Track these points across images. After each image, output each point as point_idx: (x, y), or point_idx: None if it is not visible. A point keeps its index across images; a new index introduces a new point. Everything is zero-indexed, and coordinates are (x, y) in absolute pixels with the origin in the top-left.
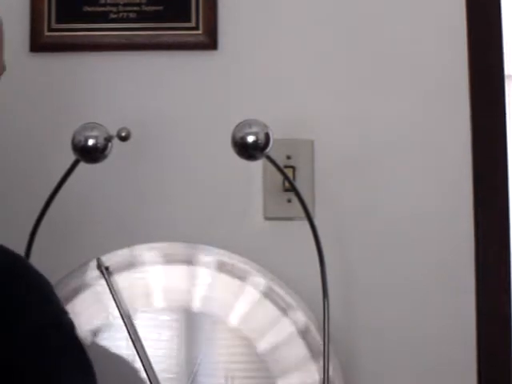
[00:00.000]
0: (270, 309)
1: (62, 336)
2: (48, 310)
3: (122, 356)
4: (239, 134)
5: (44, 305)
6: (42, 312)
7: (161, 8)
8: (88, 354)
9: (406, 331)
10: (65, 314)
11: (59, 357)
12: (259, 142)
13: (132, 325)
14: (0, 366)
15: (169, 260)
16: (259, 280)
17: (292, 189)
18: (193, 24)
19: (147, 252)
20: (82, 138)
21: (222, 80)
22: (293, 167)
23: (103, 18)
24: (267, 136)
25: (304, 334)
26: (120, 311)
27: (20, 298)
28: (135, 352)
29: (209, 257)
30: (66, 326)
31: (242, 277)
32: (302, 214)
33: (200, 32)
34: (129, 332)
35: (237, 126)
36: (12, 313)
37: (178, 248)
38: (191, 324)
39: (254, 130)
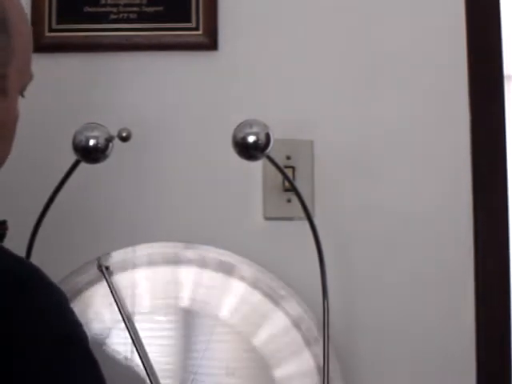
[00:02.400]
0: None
1: (74, 349)
2: (61, 323)
3: (122, 356)
4: (240, 134)
5: (57, 317)
6: (54, 325)
7: (161, 8)
8: (100, 367)
9: (405, 331)
10: (78, 326)
11: (70, 370)
12: (260, 142)
13: (133, 324)
14: (11, 380)
15: (169, 260)
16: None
17: (292, 189)
18: (193, 24)
19: (147, 252)
20: (83, 139)
21: (222, 80)
22: (293, 167)
23: (104, 18)
24: (268, 136)
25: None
26: (121, 311)
27: (32, 311)
28: (136, 352)
29: (209, 256)
30: (79, 339)
31: (236, 273)
32: (302, 213)
33: (200, 32)
34: (130, 332)
35: (237, 126)
36: (23, 325)
37: (177, 248)
38: (190, 323)
39: (255, 130)
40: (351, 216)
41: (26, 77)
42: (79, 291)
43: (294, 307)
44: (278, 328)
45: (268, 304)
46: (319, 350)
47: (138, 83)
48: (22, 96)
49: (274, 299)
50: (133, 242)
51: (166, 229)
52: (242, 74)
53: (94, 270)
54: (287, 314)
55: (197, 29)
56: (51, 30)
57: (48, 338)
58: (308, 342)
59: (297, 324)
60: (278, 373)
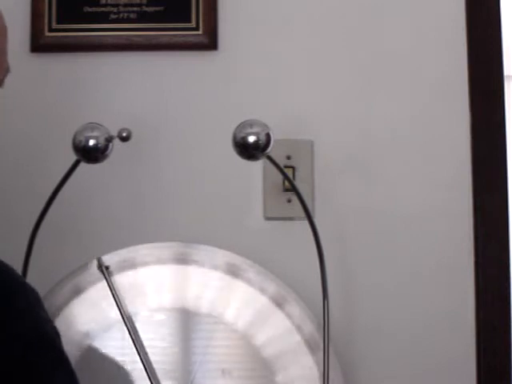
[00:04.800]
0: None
1: (45, 349)
2: (33, 323)
3: (122, 356)
4: (240, 134)
5: (29, 317)
6: (27, 325)
7: (161, 8)
8: (71, 365)
9: (405, 331)
10: (50, 325)
11: (41, 371)
12: (260, 142)
13: (133, 324)
14: None
15: (169, 260)
16: (254, 277)
17: (292, 189)
18: (193, 24)
19: (147, 252)
20: (83, 139)
21: (222, 80)
22: (293, 167)
23: (104, 18)
24: (268, 136)
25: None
26: (121, 311)
27: (5, 311)
28: (136, 352)
29: (208, 257)
30: (51, 339)
31: (238, 274)
32: (302, 213)
33: (200, 32)
34: (129, 332)
35: (238, 126)
36: None
37: (177, 248)
38: (189, 323)
39: (255, 130)
40: (351, 216)
41: (0, 71)
42: (79, 291)
43: (297, 310)
44: (280, 330)
45: (271, 306)
46: (319, 352)
47: (138, 83)
48: (1, 87)
49: (278, 302)
50: (133, 241)
51: (166, 229)
52: (241, 74)
53: (94, 270)
54: (289, 316)
55: (197, 29)
56: (51, 29)
57: (21, 338)
58: (309, 345)
59: (298, 327)
60: (280, 375)
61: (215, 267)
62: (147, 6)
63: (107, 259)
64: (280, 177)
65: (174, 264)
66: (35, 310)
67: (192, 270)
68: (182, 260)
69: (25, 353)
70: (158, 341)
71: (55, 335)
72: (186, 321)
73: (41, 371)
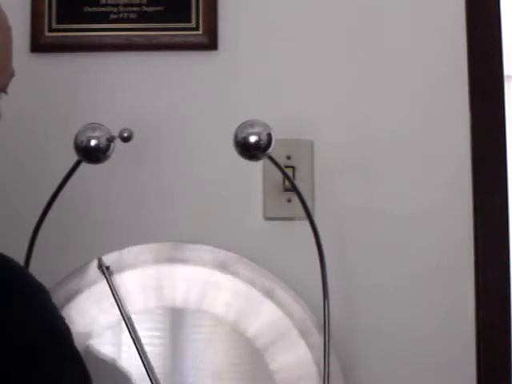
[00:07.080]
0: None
1: (57, 345)
2: (44, 320)
3: (121, 356)
4: (242, 134)
5: (38, 314)
6: (38, 323)
7: (161, 8)
8: (84, 361)
9: (405, 331)
10: (61, 321)
11: (54, 367)
12: (261, 142)
13: (133, 324)
14: None
15: (170, 260)
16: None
17: (292, 188)
18: (193, 24)
19: (145, 252)
20: (85, 139)
21: (222, 80)
22: (293, 167)
23: (104, 18)
24: (269, 136)
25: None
26: (121, 311)
27: (13, 309)
28: (136, 352)
29: (204, 255)
30: (62, 335)
31: (228, 270)
32: (302, 213)
33: (200, 32)
34: (130, 332)
35: (239, 126)
36: (5, 324)
37: (178, 248)
38: (185, 323)
39: (257, 130)
40: (351, 216)
41: (5, 75)
42: (79, 291)
43: (289, 302)
44: (272, 323)
45: (263, 300)
46: (314, 341)
47: (138, 83)
48: (5, 93)
49: (270, 295)
50: (133, 241)
51: (166, 229)
52: (241, 74)
53: (95, 270)
54: (279, 304)
55: (197, 29)
56: (51, 29)
57: (33, 335)
58: (303, 335)
59: (291, 316)
60: (275, 367)
61: (210, 265)
62: (147, 5)
63: (107, 259)
64: (280, 177)
65: (174, 263)
66: (48, 308)
67: (187, 269)
68: (182, 259)
69: (37, 348)
70: (155, 340)
71: (67, 332)
72: (181, 320)
73: (53, 365)
